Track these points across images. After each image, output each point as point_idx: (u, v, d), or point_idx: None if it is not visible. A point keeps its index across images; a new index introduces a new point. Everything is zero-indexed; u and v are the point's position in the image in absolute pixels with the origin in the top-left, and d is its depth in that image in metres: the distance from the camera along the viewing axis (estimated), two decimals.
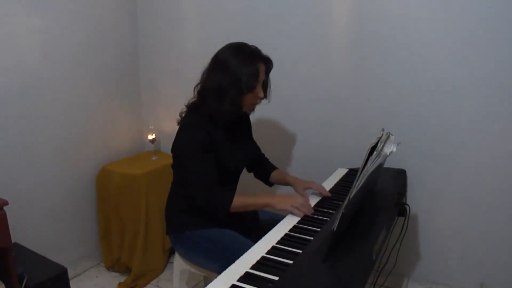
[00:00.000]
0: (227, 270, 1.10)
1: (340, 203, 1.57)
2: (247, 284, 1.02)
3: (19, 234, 1.79)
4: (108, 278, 2.30)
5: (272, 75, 1.62)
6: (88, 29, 2.20)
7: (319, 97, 2.11)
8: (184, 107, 1.57)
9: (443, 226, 2.00)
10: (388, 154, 1.33)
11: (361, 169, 1.15)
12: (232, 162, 1.58)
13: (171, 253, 2.45)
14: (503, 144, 1.81)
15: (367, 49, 1.96)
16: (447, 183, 1.95)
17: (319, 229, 1.34)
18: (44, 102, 2.04)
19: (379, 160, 1.25)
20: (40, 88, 2.01)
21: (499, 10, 1.69)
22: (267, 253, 1.19)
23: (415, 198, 1.99)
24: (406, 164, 1.97)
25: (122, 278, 2.27)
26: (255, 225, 1.67)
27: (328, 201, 1.59)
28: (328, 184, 1.77)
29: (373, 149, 1.21)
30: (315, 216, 1.45)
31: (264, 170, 1.81)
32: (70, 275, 1.78)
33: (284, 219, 1.44)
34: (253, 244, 1.26)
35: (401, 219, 1.72)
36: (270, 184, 1.82)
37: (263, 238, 1.29)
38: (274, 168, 1.82)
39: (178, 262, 1.67)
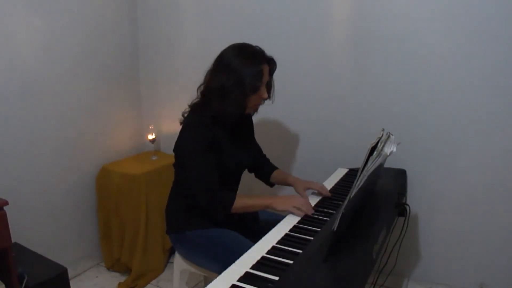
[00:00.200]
0: (227, 270, 1.10)
1: (340, 203, 1.57)
2: (247, 284, 1.02)
3: (19, 234, 1.79)
4: (108, 278, 2.30)
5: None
6: (88, 29, 2.20)
7: (319, 97, 2.11)
8: (187, 107, 1.57)
9: (443, 226, 2.00)
10: (388, 154, 1.33)
11: (361, 169, 1.15)
12: (235, 162, 1.58)
13: (171, 253, 2.45)
14: (503, 144, 1.81)
15: (367, 49, 1.96)
16: (447, 183, 1.95)
17: (319, 229, 1.34)
18: (44, 102, 2.04)
19: (379, 160, 1.25)
20: (40, 88, 2.01)
21: (499, 10, 1.69)
22: (267, 253, 1.19)
23: (415, 198, 1.99)
24: (406, 164, 1.97)
25: (122, 278, 2.27)
26: (255, 225, 1.67)
27: (328, 201, 1.59)
28: (328, 184, 1.77)
29: (373, 149, 1.21)
30: (315, 216, 1.45)
31: (265, 170, 1.81)
32: (70, 275, 1.78)
33: (284, 219, 1.44)
34: (253, 244, 1.26)
35: (401, 219, 1.72)
36: (271, 185, 1.82)
37: (263, 238, 1.29)
38: (274, 168, 1.82)
39: (178, 262, 1.67)
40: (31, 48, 1.95)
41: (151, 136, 2.47)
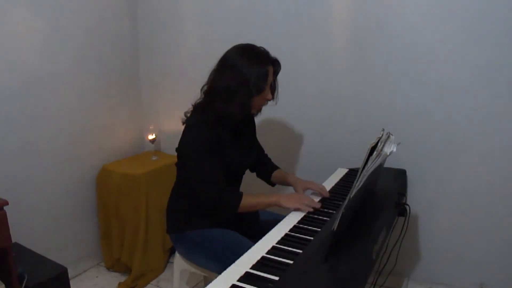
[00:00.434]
0: (227, 270, 1.10)
1: (340, 203, 1.57)
2: (247, 284, 1.02)
3: (19, 234, 1.78)
4: (108, 278, 2.30)
5: None
6: (89, 29, 2.20)
7: (319, 97, 2.11)
8: (189, 107, 1.57)
9: (443, 226, 2.00)
10: (388, 154, 1.33)
11: (361, 169, 1.15)
12: (238, 162, 1.58)
13: (171, 253, 2.45)
14: (503, 144, 1.81)
15: (367, 49, 1.96)
16: (447, 183, 1.95)
17: (319, 229, 1.34)
18: (44, 102, 2.04)
19: (379, 160, 1.25)
20: (40, 88, 2.01)
21: (500, 10, 1.69)
22: (267, 253, 1.19)
23: (415, 198, 1.99)
24: (406, 164, 1.97)
25: (122, 278, 2.27)
26: (255, 225, 1.67)
27: (328, 201, 1.59)
28: (328, 184, 1.77)
29: (373, 149, 1.21)
30: (315, 216, 1.45)
31: (266, 170, 1.81)
32: (70, 275, 1.77)
33: (284, 219, 1.44)
34: (253, 244, 1.26)
35: (401, 219, 1.72)
36: (272, 184, 1.82)
37: (263, 238, 1.29)
38: (275, 168, 1.82)
39: (178, 262, 1.67)
40: (31, 48, 1.95)
41: (151, 136, 2.47)
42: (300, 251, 1.19)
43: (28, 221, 2.02)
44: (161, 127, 2.59)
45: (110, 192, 2.27)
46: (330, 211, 1.50)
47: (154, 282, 2.27)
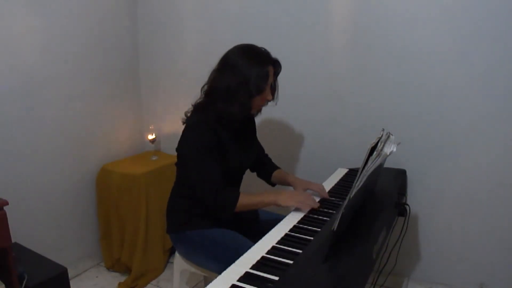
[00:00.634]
0: (227, 270, 1.10)
1: (340, 203, 1.57)
2: (247, 284, 1.02)
3: (19, 234, 1.79)
4: (108, 278, 2.30)
5: None
6: (88, 29, 2.20)
7: (319, 97, 2.11)
8: (189, 106, 1.57)
9: (443, 226, 2.00)
10: (388, 154, 1.33)
11: (361, 169, 1.15)
12: (238, 162, 1.58)
13: (171, 253, 2.45)
14: (503, 144, 1.81)
15: (367, 49, 1.96)
16: (447, 183, 1.95)
17: (319, 229, 1.34)
18: (44, 102, 2.04)
19: (379, 160, 1.25)
20: (40, 88, 2.01)
21: (499, 10, 1.69)
22: (267, 253, 1.19)
23: (415, 198, 1.99)
24: (406, 164, 1.97)
25: (122, 278, 2.27)
26: (255, 225, 1.67)
27: (328, 201, 1.59)
28: (328, 184, 1.77)
29: (373, 149, 1.21)
30: (315, 216, 1.45)
31: (266, 170, 1.82)
32: (70, 275, 1.77)
33: (284, 219, 1.44)
34: (253, 244, 1.26)
35: (401, 219, 1.72)
36: (272, 184, 1.82)
37: (263, 238, 1.29)
38: (276, 168, 1.82)
39: (178, 262, 1.67)
40: (31, 48, 1.95)
41: (151, 136, 2.47)
42: (300, 251, 1.19)
43: (28, 221, 2.02)
44: (161, 127, 2.59)
45: (110, 192, 2.27)
46: (330, 211, 1.50)
47: (154, 282, 2.27)
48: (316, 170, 2.16)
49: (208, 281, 1.52)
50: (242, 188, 1.71)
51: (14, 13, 1.86)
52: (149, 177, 2.23)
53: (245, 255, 1.18)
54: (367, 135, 1.86)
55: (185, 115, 1.57)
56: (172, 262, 2.33)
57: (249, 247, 1.23)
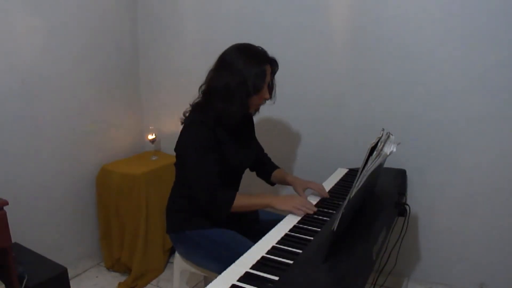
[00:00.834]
0: (227, 270, 1.10)
1: (340, 203, 1.57)
2: (247, 284, 1.02)
3: (19, 234, 1.79)
4: (108, 278, 2.30)
5: None
6: (89, 29, 2.20)
7: (319, 97, 2.11)
8: (188, 106, 1.57)
9: (443, 226, 2.00)
10: (388, 154, 1.33)
11: (361, 169, 1.15)
12: (237, 162, 1.58)
13: (171, 253, 2.45)
14: (503, 144, 1.81)
15: (367, 49, 1.96)
16: (447, 183, 1.95)
17: (319, 229, 1.34)
18: (44, 102, 2.04)
19: (379, 160, 1.25)
20: (40, 88, 2.01)
21: (499, 10, 1.69)
22: (267, 253, 1.19)
23: (415, 198, 1.99)
24: (406, 164, 1.97)
25: (122, 278, 2.27)
26: (255, 225, 1.67)
27: (328, 201, 1.59)
28: (328, 184, 1.77)
29: (373, 149, 1.21)
30: (315, 216, 1.45)
31: (265, 169, 1.82)
32: (70, 275, 1.77)
33: (284, 219, 1.44)
34: (253, 244, 1.26)
35: (401, 219, 1.72)
36: (272, 184, 1.82)
37: (263, 238, 1.29)
38: (275, 167, 1.82)
39: (178, 262, 1.67)
40: (31, 48, 1.95)
41: (151, 136, 2.47)
42: (300, 251, 1.19)
43: (28, 221, 2.02)
44: (161, 127, 2.59)
45: (110, 192, 2.27)
46: (330, 211, 1.50)
47: (154, 282, 2.27)
48: (316, 170, 2.16)
49: (208, 281, 1.52)
50: (242, 187, 1.71)
51: (14, 13, 1.86)
52: (149, 177, 2.23)
53: (245, 255, 1.18)
54: (367, 135, 1.86)
55: (184, 115, 1.57)
56: (172, 262, 2.33)
57: (249, 247, 1.23)
